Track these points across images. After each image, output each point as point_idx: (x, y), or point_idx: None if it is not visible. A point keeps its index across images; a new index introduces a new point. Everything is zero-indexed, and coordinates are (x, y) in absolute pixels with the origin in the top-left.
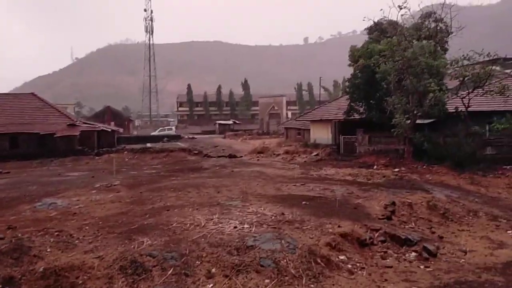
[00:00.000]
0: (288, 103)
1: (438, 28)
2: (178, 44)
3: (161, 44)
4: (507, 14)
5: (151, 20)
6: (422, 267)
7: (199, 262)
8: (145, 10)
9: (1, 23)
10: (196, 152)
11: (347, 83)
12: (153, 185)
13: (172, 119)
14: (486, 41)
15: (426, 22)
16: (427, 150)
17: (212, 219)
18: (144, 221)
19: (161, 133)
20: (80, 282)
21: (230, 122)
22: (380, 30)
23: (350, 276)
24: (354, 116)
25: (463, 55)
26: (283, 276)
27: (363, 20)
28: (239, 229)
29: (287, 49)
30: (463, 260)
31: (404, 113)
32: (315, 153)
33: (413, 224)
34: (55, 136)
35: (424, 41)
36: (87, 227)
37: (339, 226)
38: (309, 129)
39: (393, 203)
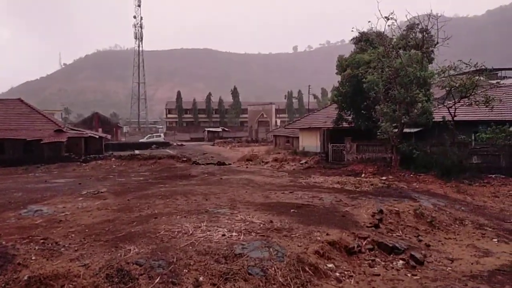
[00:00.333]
0: (278, 111)
1: (425, 38)
2: (168, 51)
3: (151, 51)
4: (492, 26)
5: (141, 27)
6: (409, 275)
7: (186, 271)
8: (134, 17)
9: None
10: (184, 159)
11: (335, 92)
12: (141, 193)
13: (160, 126)
14: (471, 52)
15: (412, 35)
16: (415, 158)
17: (200, 226)
18: (131, 228)
19: (150, 140)
20: None
21: (219, 129)
22: (366, 40)
23: (338, 284)
24: (342, 125)
25: (449, 66)
26: (271, 285)
27: (352, 31)
28: (227, 237)
29: (276, 57)
30: (449, 268)
31: (391, 122)
32: (303, 161)
33: (400, 232)
34: (41, 142)
35: (413, 51)
36: (73, 235)
37: (327, 234)
38: (298, 137)
39: (381, 211)
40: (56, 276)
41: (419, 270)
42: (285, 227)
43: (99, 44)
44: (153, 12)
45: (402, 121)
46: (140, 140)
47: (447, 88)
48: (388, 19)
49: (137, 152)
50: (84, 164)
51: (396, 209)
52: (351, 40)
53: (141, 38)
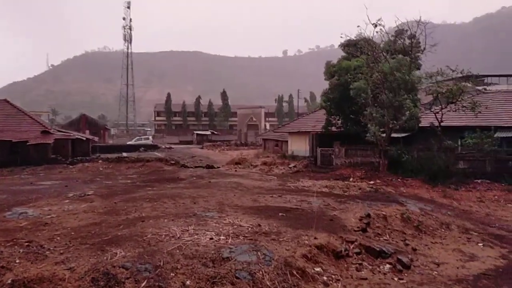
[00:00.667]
0: (267, 114)
1: (413, 44)
2: (157, 53)
3: (140, 53)
4: (479, 33)
5: (130, 28)
6: (396, 279)
7: (173, 274)
8: (124, 19)
9: None
10: (173, 162)
11: (324, 98)
12: (128, 195)
13: (149, 129)
14: (458, 58)
15: (400, 41)
16: (402, 163)
17: (187, 230)
18: (118, 232)
19: (138, 142)
20: None
21: (208, 132)
22: (354, 46)
23: None
24: (331, 129)
25: (436, 71)
26: None
27: (341, 37)
28: (215, 240)
29: (266, 61)
30: (435, 272)
31: (380, 126)
32: (292, 165)
33: (387, 236)
34: (27, 144)
35: (400, 56)
36: (58, 238)
37: (315, 238)
38: (287, 141)
39: (368, 215)
40: (40, 279)
41: (406, 274)
42: (273, 230)
43: (87, 45)
44: (143, 14)
45: (390, 125)
46: (128, 143)
47: (434, 94)
48: (376, 26)
49: (124, 154)
50: (71, 166)
51: (384, 213)
52: (340, 45)
53: (130, 40)
